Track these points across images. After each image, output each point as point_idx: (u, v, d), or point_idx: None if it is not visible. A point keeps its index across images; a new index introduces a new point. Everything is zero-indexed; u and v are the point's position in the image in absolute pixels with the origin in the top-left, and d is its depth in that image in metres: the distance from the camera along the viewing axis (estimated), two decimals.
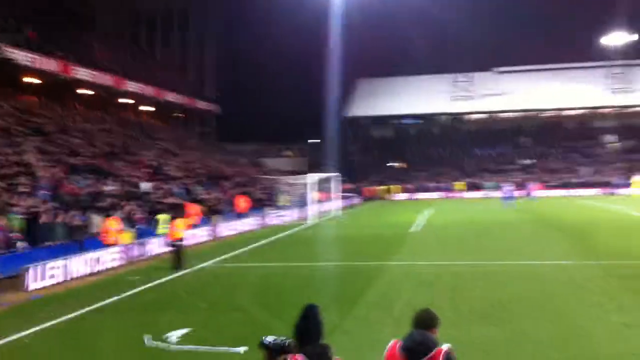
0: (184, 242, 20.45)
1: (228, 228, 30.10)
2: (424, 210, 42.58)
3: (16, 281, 16.47)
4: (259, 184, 45.77)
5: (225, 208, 33.54)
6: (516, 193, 48.45)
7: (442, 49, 70.84)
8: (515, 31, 72.62)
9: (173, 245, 19.88)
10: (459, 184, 65.79)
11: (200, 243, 26.61)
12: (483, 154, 74.77)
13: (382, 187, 67.00)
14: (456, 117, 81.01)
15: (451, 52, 71.95)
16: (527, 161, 71.49)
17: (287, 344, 4.84)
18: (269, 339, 4.89)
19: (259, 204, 37.62)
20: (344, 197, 46.95)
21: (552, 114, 77.66)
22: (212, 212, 31.30)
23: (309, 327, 5.00)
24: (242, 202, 34.49)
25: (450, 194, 64.09)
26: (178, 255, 19.65)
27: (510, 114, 78.33)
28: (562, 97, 74.09)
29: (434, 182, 67.73)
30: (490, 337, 10.44)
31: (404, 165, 75.07)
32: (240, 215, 33.18)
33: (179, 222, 20.27)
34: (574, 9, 69.72)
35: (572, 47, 70.53)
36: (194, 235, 26.33)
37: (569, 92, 73.98)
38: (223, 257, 22.50)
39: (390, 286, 15.67)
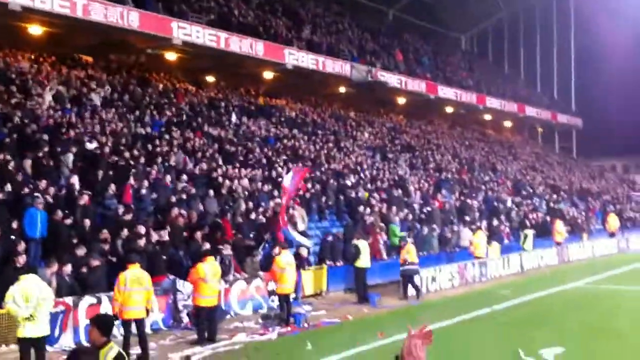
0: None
1: (604, 245, 28.69)
2: None
3: (396, 287, 17.80)
4: (629, 201, 42.42)
5: (593, 226, 31.93)
6: None
7: None
8: None
9: (406, 272, 17.72)
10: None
11: (570, 261, 25.81)
12: None
13: None
14: None
15: None
16: None
17: None
18: None
19: (629, 223, 34.89)
20: None
21: None
22: (580, 229, 30.06)
23: None
24: (613, 221, 32.41)
25: None
26: (409, 284, 17.68)
27: None
28: None
29: None
30: None
31: None
32: (611, 235, 31.30)
33: (410, 247, 18.04)
34: None
35: None
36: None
37: None
38: (597, 277, 21.50)
39: None
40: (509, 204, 30.69)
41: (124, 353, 6.11)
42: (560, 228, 27.35)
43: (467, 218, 25.71)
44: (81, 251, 13.08)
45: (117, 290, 10.78)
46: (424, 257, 20.91)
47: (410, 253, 17.65)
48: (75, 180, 15.71)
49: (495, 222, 26.32)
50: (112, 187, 16.13)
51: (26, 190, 14.29)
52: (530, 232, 25.53)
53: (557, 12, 59.35)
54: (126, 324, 10.83)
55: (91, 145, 17.91)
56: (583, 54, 58.38)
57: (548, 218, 29.84)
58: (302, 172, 18.46)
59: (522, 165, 43.43)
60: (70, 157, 16.77)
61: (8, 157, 15.20)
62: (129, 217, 15.02)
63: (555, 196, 35.92)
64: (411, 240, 19.03)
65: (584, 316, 14.96)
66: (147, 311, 11.12)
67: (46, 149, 16.43)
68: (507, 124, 51.85)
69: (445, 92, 41.22)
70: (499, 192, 32.39)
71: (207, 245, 14.51)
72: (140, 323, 10.96)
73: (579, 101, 60.01)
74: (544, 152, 53.23)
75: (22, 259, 11.33)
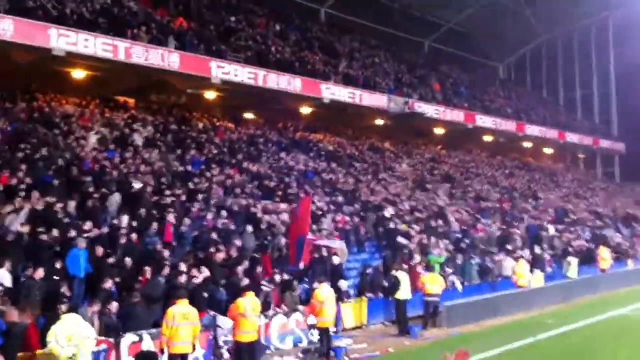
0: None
1: None
2: None
3: (437, 319, 17.62)
4: None
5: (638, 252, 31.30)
6: None
7: None
8: None
9: (429, 303, 17.45)
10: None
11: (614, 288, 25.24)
12: None
13: None
14: None
15: None
16: None
17: None
18: None
19: None
20: None
21: None
22: (625, 256, 29.49)
23: None
24: None
25: None
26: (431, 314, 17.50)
27: None
28: None
29: None
30: None
31: None
32: None
33: (431, 276, 17.82)
34: None
35: None
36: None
37: None
38: None
39: None
40: (551, 231, 30.20)
41: None
42: (604, 255, 26.83)
43: (509, 247, 25.41)
44: (123, 289, 13.37)
45: (165, 325, 10.94)
46: (467, 286, 20.85)
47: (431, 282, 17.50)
48: (122, 220, 16.07)
49: (537, 250, 25.94)
50: (154, 225, 16.50)
51: (72, 232, 14.56)
52: (574, 260, 25.15)
53: (596, 36, 58.86)
54: (172, 358, 11.01)
55: (135, 186, 18.36)
56: (624, 77, 57.61)
57: (592, 245, 29.33)
58: (306, 201, 18.46)
59: (564, 192, 42.84)
60: (115, 197, 17.22)
61: (54, 199, 15.63)
62: (169, 254, 15.29)
63: (599, 222, 35.29)
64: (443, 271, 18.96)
65: (632, 343, 14.63)
66: (194, 346, 11.27)
67: (91, 191, 16.91)
68: (548, 150, 51.34)
69: (484, 120, 41.06)
70: (541, 220, 31.94)
71: (247, 281, 14.68)
72: (184, 358, 11.12)
73: (621, 125, 59.08)
74: (586, 179, 52.41)
75: (65, 300, 11.61)
